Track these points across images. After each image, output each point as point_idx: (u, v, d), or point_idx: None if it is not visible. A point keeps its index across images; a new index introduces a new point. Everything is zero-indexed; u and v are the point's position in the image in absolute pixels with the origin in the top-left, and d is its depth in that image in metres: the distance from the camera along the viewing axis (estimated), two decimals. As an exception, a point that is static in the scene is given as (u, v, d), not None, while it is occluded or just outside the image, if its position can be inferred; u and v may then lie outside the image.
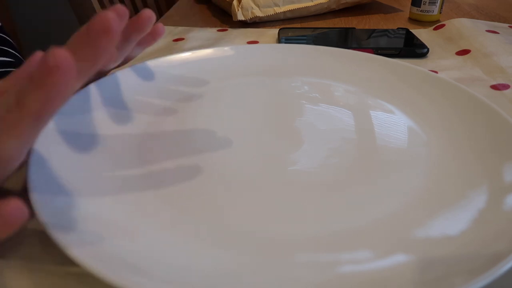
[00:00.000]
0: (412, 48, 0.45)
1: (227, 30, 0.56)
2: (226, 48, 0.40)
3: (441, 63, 0.43)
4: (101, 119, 0.29)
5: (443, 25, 0.53)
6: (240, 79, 0.37)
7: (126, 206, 0.22)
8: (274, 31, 0.54)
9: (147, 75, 0.35)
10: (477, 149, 0.26)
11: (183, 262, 0.19)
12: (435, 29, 0.53)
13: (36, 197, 0.19)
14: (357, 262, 0.19)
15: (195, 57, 0.38)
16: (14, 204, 0.16)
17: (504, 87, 0.38)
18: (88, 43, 0.17)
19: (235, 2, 0.56)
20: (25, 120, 0.16)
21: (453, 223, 0.21)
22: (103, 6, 0.81)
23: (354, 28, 0.52)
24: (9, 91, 0.18)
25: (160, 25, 0.28)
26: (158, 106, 0.32)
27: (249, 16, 0.56)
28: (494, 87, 0.38)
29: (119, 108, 0.31)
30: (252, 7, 0.56)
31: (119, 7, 0.20)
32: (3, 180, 0.19)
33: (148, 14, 0.23)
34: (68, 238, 0.17)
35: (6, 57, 0.48)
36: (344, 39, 0.48)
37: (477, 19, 0.58)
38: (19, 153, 0.18)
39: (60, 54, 0.15)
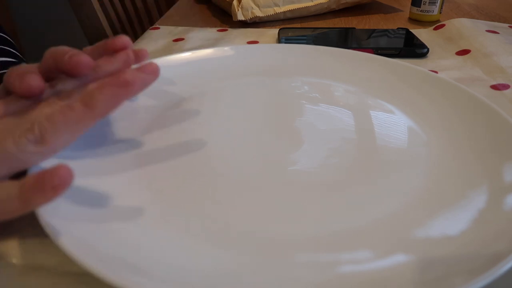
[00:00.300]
0: (412, 48, 0.45)
1: (227, 30, 0.56)
2: (226, 48, 0.40)
3: (441, 63, 0.43)
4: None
5: (443, 25, 0.53)
6: (240, 79, 0.37)
7: (126, 207, 0.22)
8: (274, 31, 0.54)
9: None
10: (477, 149, 0.26)
11: (183, 262, 0.19)
12: (435, 29, 0.53)
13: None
14: (357, 262, 0.19)
15: (195, 57, 0.38)
16: (64, 169, 0.17)
17: (504, 87, 0.38)
18: (145, 76, 0.22)
19: (235, 2, 0.56)
20: (88, 118, 0.20)
21: (453, 223, 0.21)
22: (103, 6, 0.81)
23: (354, 28, 0.52)
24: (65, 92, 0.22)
25: (144, 50, 0.27)
26: (158, 106, 0.32)
27: (249, 16, 0.56)
28: (494, 87, 0.38)
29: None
30: (252, 7, 0.56)
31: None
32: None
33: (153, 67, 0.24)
34: (68, 238, 0.17)
35: (6, 57, 0.48)
36: (344, 39, 0.48)
37: (477, 19, 0.58)
38: (66, 145, 0.20)
39: (136, 74, 0.21)
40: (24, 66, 0.23)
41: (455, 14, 0.61)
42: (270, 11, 0.57)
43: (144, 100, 0.33)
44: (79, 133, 0.20)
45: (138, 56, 0.26)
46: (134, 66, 0.24)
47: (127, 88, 0.21)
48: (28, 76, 0.21)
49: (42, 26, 1.87)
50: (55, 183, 0.17)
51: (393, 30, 0.51)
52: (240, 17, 0.56)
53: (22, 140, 0.19)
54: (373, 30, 0.51)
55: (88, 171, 0.24)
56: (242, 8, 0.56)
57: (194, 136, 0.29)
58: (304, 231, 0.21)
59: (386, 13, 0.63)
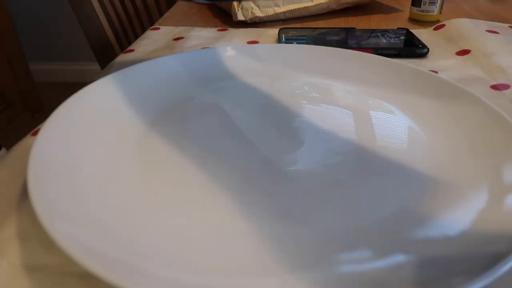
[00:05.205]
0: (412, 48, 0.45)
1: (227, 30, 0.56)
2: (226, 48, 0.40)
3: (441, 63, 0.43)
4: (100, 118, 0.29)
5: (443, 25, 0.53)
6: (240, 79, 0.37)
7: (126, 207, 0.22)
8: (274, 31, 0.54)
9: (148, 75, 0.35)
10: (477, 149, 0.26)
11: (183, 261, 0.19)
12: (435, 29, 0.53)
13: (35, 198, 0.19)
14: (357, 262, 0.19)
15: (196, 56, 0.38)
16: None
17: (504, 87, 0.38)
18: None
19: (235, 2, 0.56)
20: None
21: (453, 223, 0.21)
22: (103, 6, 0.81)
23: (354, 28, 0.52)
24: None
25: None
26: (158, 106, 0.32)
27: (249, 16, 0.56)
28: (494, 87, 0.38)
29: (119, 107, 0.31)
30: (252, 7, 0.56)
31: None
32: None
33: None
34: (68, 238, 0.17)
35: None
36: (344, 39, 0.48)
37: (477, 19, 0.58)
38: None
39: None
40: None
41: (455, 14, 0.61)
42: (270, 11, 0.57)
43: (144, 99, 0.33)
44: None
45: None
46: None
47: None
48: None
49: (42, 26, 1.87)
50: None
51: (393, 30, 0.51)
52: (240, 17, 0.56)
53: None
54: (373, 30, 0.51)
55: (88, 171, 0.24)
56: (242, 8, 0.56)
57: (194, 136, 0.29)
58: (304, 231, 0.21)
59: (386, 13, 0.63)
